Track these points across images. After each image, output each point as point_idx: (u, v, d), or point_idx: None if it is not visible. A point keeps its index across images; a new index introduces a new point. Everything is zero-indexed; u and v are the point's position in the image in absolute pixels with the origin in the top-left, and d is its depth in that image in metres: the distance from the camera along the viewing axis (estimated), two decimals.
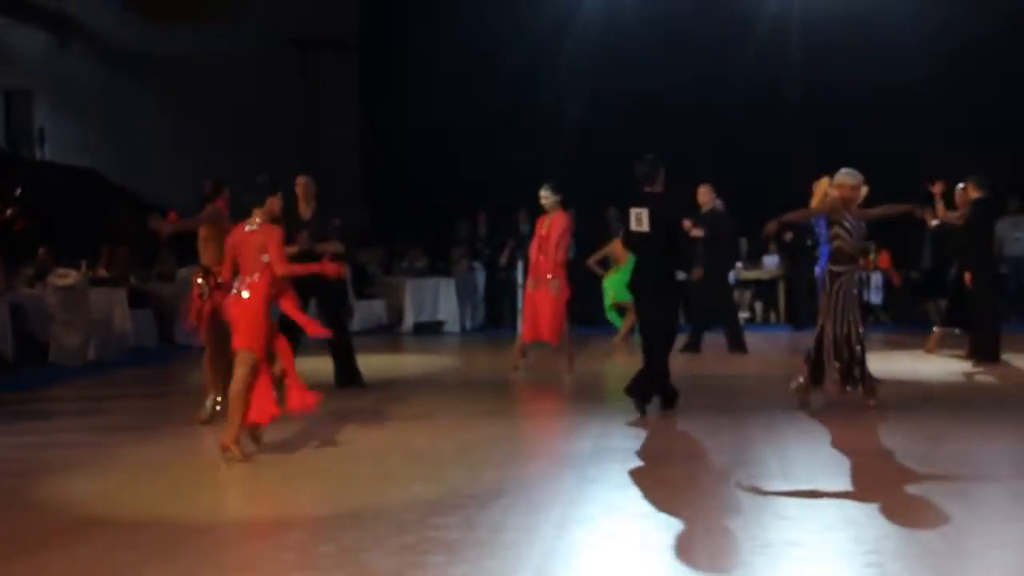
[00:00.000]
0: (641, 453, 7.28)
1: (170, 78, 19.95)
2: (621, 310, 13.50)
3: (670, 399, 8.65)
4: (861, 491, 6.06)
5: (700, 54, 17.85)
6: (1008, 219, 16.36)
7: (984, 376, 10.81)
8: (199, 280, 8.14)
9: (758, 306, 17.86)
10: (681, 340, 11.20)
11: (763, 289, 17.79)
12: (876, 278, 16.68)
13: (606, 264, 13.75)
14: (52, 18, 20.63)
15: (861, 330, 8.63)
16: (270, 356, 7.05)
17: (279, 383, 7.17)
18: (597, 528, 5.39)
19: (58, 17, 20.64)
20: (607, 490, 6.17)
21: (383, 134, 19.76)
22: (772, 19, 18.19)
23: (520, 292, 12.97)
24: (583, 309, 14.02)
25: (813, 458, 7.02)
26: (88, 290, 13.03)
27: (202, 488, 6.46)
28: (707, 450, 7.50)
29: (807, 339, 9.21)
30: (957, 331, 12.11)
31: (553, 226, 11.01)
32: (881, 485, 6.18)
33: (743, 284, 17.38)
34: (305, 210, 10.17)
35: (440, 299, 17.29)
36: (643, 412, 8.45)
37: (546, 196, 11.04)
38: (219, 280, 7.61)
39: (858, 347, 8.57)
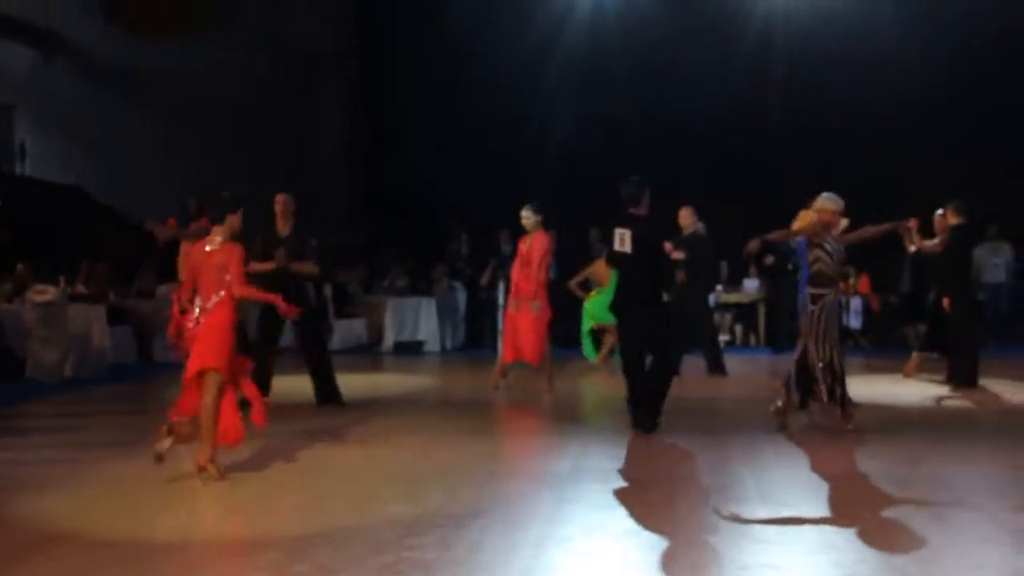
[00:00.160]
0: (620, 474, 7.26)
1: (156, 93, 19.74)
2: (597, 338, 13.53)
3: (653, 422, 8.64)
4: (839, 514, 6.07)
5: (686, 74, 17.90)
6: (987, 245, 16.47)
7: (962, 401, 10.84)
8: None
9: (738, 329, 17.90)
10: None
11: (743, 312, 17.82)
12: (856, 302, 16.74)
13: (587, 286, 13.75)
14: (35, 33, 20.51)
15: (840, 353, 8.69)
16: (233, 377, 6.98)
17: (243, 404, 7.11)
18: (575, 548, 5.36)
19: (42, 32, 20.51)
20: (585, 510, 6.16)
21: (377, 146, 19.76)
22: (757, 36, 18.27)
23: (501, 312, 12.96)
24: (564, 330, 14.01)
25: (792, 481, 7.01)
26: (66, 306, 12.93)
27: (177, 506, 6.40)
28: (686, 472, 7.50)
29: (786, 362, 9.22)
30: (936, 356, 12.16)
31: (535, 246, 11.02)
32: (859, 508, 6.18)
33: (723, 307, 17.42)
34: (283, 227, 10.16)
35: (420, 318, 17.26)
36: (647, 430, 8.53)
37: (527, 216, 11.06)
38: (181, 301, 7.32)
39: (838, 370, 8.63)
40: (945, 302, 11.57)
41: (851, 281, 16.11)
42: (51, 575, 4.99)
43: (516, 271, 11.19)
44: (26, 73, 20.59)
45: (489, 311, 16.39)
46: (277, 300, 7.38)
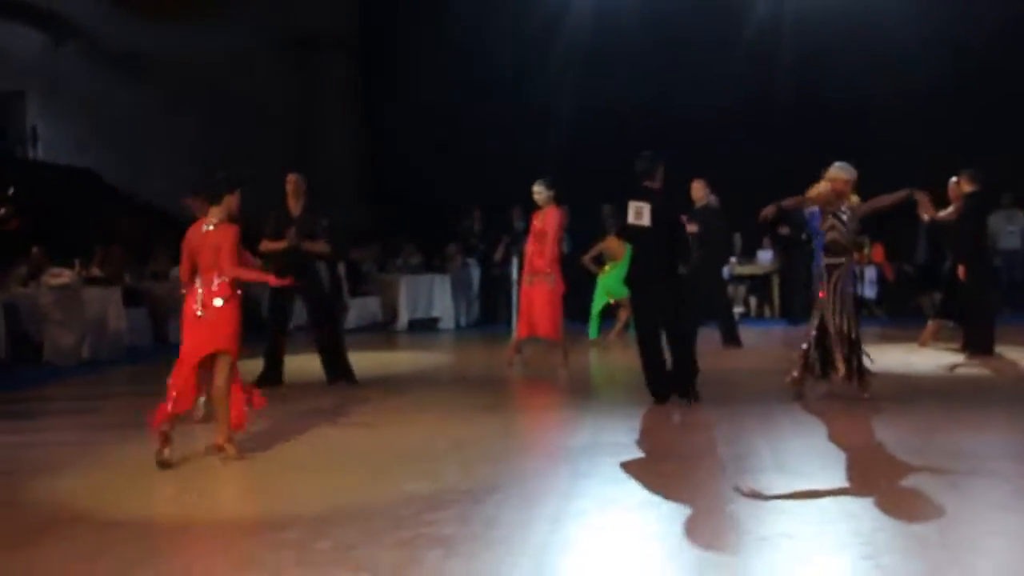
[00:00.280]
0: (635, 447, 7.28)
1: (164, 77, 19.83)
2: (605, 317, 13.57)
3: (688, 389, 8.72)
4: (856, 484, 6.07)
5: (693, 55, 17.79)
6: (1001, 213, 16.39)
7: (978, 369, 10.82)
8: None
9: (752, 301, 17.87)
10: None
11: (757, 284, 17.79)
12: (870, 272, 16.68)
13: (600, 261, 13.74)
14: (45, 18, 20.53)
15: (856, 323, 8.69)
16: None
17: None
18: (591, 522, 5.38)
19: (51, 17, 20.54)
20: (601, 484, 6.17)
21: (381, 133, 19.74)
22: (761, 22, 18.18)
23: (515, 288, 12.97)
24: (577, 304, 14.00)
25: (808, 451, 7.02)
26: (82, 289, 12.98)
27: (197, 486, 6.44)
28: (702, 444, 7.51)
29: (802, 333, 9.21)
30: (951, 324, 12.12)
31: (548, 221, 11.00)
32: (875, 477, 6.18)
33: (737, 279, 17.39)
34: (294, 207, 10.20)
35: (435, 296, 17.27)
36: (666, 401, 8.65)
37: (539, 191, 11.04)
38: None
39: (855, 340, 8.63)
40: (960, 270, 11.52)
41: (866, 251, 16.02)
42: (66, 555, 5.03)
43: (530, 246, 11.18)
44: (35, 58, 20.65)
45: (503, 287, 16.39)
46: (268, 278, 7.42)
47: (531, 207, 11.40)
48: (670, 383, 8.72)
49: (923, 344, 12.26)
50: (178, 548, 5.21)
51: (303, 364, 10.84)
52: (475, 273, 17.68)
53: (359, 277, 17.60)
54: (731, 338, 13.16)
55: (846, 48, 17.32)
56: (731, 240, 15.97)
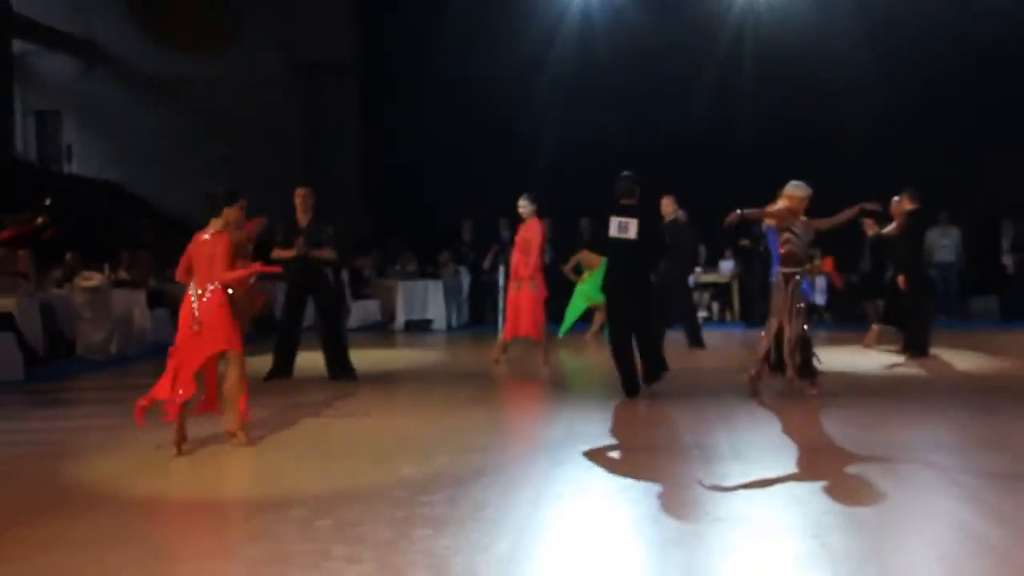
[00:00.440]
0: (607, 437, 7.29)
1: (185, 99, 19.93)
2: (585, 316, 13.57)
3: (655, 373, 8.83)
4: (805, 471, 6.08)
5: (664, 88, 17.78)
6: (937, 228, 16.44)
7: (916, 369, 10.84)
8: None
9: (715, 306, 17.87)
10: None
11: (719, 291, 17.79)
12: (821, 281, 16.71)
13: (578, 270, 13.75)
14: (79, 45, 20.53)
15: (807, 327, 8.72)
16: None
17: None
18: (567, 505, 5.38)
19: (85, 44, 20.54)
20: (576, 471, 6.17)
21: (380, 150, 19.68)
22: (727, 56, 18.19)
23: (502, 294, 12.96)
24: (558, 308, 13.99)
25: (763, 442, 7.02)
26: (111, 291, 12.94)
27: (211, 469, 6.43)
28: (668, 434, 7.51)
29: (759, 335, 9.22)
30: (892, 328, 12.16)
31: (532, 232, 11.05)
32: (823, 466, 6.19)
33: (702, 286, 17.37)
34: (302, 218, 10.19)
35: (429, 299, 17.22)
36: (636, 395, 8.71)
37: (524, 205, 11.10)
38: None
39: (806, 342, 8.65)
40: (900, 279, 11.58)
41: (816, 262, 16.06)
42: (88, 528, 5.01)
43: (515, 256, 11.23)
44: (71, 82, 20.66)
45: (490, 292, 16.38)
46: (255, 267, 7.24)
47: (516, 219, 11.44)
48: (639, 381, 8.75)
49: (867, 346, 12.29)
50: (191, 524, 5.20)
51: (308, 361, 10.79)
52: (465, 279, 17.66)
53: (360, 281, 17.56)
54: (695, 340, 13.17)
55: (804, 75, 17.30)
56: (696, 251, 16.00)
